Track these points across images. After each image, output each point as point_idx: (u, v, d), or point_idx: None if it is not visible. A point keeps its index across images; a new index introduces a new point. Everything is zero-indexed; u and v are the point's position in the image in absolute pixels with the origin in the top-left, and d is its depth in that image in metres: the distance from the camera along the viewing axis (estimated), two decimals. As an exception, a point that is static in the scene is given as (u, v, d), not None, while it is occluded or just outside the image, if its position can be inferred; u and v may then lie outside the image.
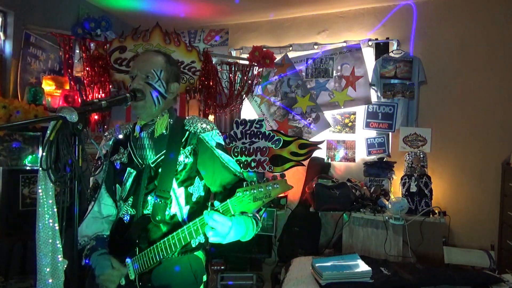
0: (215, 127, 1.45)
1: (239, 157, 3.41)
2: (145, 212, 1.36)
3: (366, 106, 3.61)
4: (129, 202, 1.39)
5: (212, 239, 1.17)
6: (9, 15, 2.99)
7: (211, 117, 3.37)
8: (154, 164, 1.39)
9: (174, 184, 1.37)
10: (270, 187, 1.14)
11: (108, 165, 1.46)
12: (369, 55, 3.67)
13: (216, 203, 1.21)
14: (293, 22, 4.01)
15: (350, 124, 3.76)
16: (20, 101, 2.84)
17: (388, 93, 3.54)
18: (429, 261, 3.08)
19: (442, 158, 3.39)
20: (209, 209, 1.18)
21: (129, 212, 1.38)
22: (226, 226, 1.14)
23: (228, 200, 1.17)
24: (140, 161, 1.41)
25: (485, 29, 3.29)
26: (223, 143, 1.46)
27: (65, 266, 1.12)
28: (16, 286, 2.45)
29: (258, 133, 3.42)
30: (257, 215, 1.27)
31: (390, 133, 3.55)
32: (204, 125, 1.42)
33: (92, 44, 3.01)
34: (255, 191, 1.14)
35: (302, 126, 3.82)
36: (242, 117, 3.84)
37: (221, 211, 1.17)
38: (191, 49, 3.15)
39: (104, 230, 1.46)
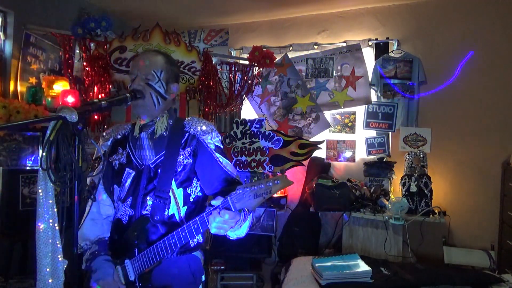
0: (214, 129, 1.46)
1: (239, 157, 3.41)
2: (144, 212, 1.36)
3: (366, 106, 3.60)
4: (128, 202, 1.39)
5: (215, 232, 1.19)
6: (9, 15, 2.99)
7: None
8: (153, 165, 1.39)
9: (173, 184, 1.37)
10: (270, 183, 1.14)
11: (106, 165, 1.46)
12: (369, 55, 3.66)
13: (214, 201, 1.20)
14: (293, 22, 4.00)
15: (350, 124, 3.76)
16: (20, 101, 2.84)
17: (388, 93, 3.54)
18: (429, 261, 3.08)
19: (442, 158, 3.39)
20: (211, 208, 1.18)
21: (128, 213, 1.38)
22: (234, 220, 1.16)
23: (228, 196, 1.16)
24: (139, 161, 1.41)
25: (485, 28, 3.29)
26: (221, 146, 1.46)
27: (65, 266, 1.12)
28: (16, 286, 2.45)
29: (258, 133, 3.42)
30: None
31: (390, 133, 3.55)
32: (204, 127, 1.43)
33: (92, 44, 3.01)
34: (255, 187, 1.13)
35: (302, 126, 3.82)
36: (242, 117, 3.83)
37: (221, 208, 1.17)
38: (191, 49, 3.15)
39: (104, 233, 1.46)
